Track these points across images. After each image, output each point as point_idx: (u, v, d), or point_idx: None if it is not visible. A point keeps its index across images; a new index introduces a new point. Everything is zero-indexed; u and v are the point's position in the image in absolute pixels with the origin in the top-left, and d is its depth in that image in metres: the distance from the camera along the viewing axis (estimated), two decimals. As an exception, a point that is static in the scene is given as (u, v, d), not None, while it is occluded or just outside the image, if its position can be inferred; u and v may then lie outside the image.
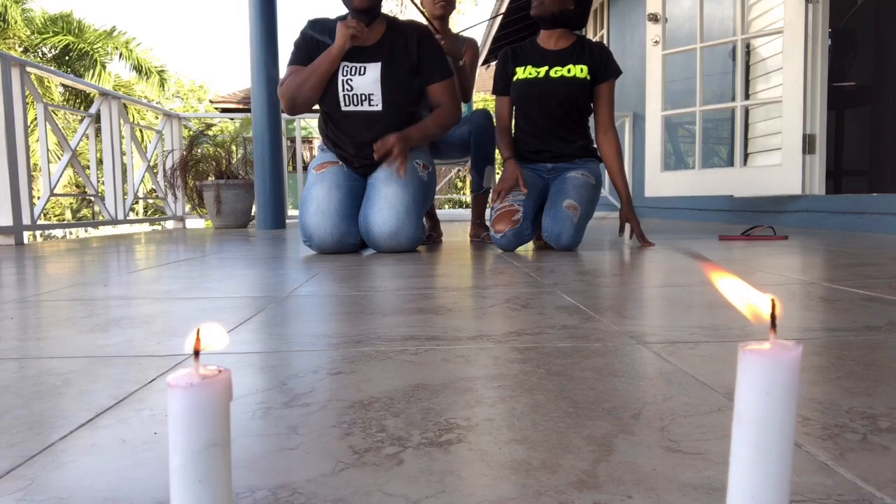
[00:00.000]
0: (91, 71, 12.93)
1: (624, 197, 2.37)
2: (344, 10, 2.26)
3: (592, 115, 2.43)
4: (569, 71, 2.32)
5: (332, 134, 2.32)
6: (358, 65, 2.21)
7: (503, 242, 2.20)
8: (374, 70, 2.20)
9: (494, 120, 2.52)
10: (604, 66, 2.33)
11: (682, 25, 4.37)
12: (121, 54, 13.38)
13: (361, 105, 2.21)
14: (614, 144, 2.37)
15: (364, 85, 2.20)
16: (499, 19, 7.73)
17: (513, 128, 2.50)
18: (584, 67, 2.31)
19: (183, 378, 0.24)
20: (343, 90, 2.20)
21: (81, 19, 13.11)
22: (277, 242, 2.91)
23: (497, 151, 2.80)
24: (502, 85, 2.43)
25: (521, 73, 2.36)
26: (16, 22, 12.31)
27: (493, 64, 10.73)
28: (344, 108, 2.23)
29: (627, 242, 2.41)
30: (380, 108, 2.21)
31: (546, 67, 2.33)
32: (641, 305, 1.12)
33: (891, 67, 4.21)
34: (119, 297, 1.27)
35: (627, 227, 2.39)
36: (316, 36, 2.24)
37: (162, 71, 13.90)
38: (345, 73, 2.20)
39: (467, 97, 2.94)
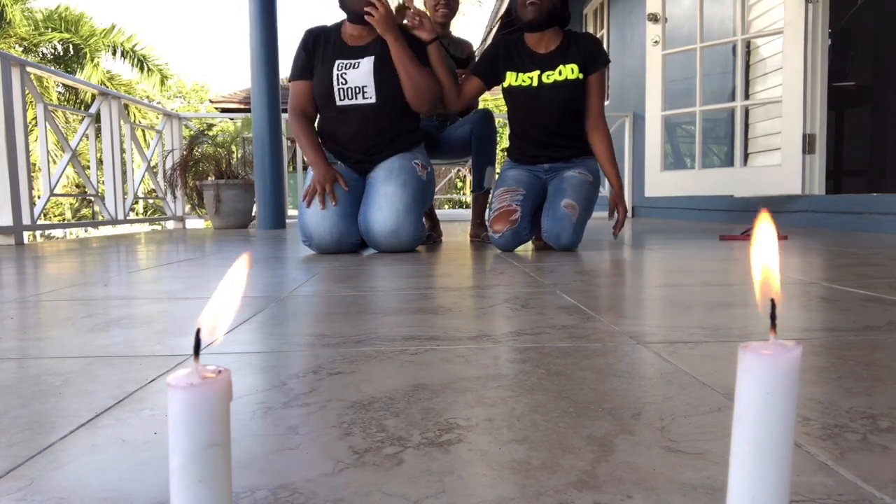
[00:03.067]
0: (82, 68, 12.89)
1: (616, 186, 2.33)
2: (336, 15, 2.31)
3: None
4: (560, 73, 2.27)
5: (329, 133, 2.34)
6: (352, 61, 2.25)
7: (501, 242, 2.20)
8: (367, 63, 2.24)
9: (505, 120, 2.50)
10: (593, 57, 2.29)
11: (682, 25, 4.37)
12: (123, 52, 13.31)
13: (356, 98, 2.24)
14: (605, 137, 2.33)
15: (358, 77, 2.23)
16: (499, 20, 7.72)
17: (508, 131, 2.48)
18: (575, 66, 2.27)
19: (183, 378, 0.24)
20: (338, 84, 2.23)
21: (83, 13, 13.05)
22: (277, 242, 2.91)
23: (494, 153, 2.81)
24: (482, 69, 2.36)
25: (513, 79, 2.31)
26: (12, 22, 12.30)
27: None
28: (339, 103, 2.25)
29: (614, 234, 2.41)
30: (374, 100, 2.24)
31: (538, 72, 2.28)
32: (641, 305, 1.12)
33: (891, 67, 4.21)
34: (119, 297, 1.27)
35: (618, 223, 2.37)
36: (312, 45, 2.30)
37: (162, 69, 13.81)
38: (339, 69, 2.24)
39: (470, 109, 2.95)
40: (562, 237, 2.15)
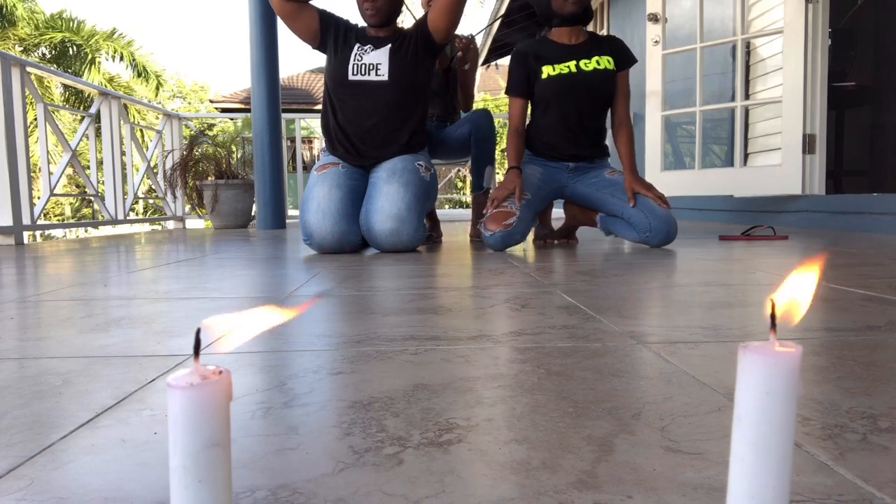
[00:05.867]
0: (86, 68, 12.91)
1: (627, 170, 2.31)
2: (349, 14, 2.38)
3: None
4: (598, 63, 2.31)
5: (336, 121, 2.36)
6: (371, 46, 2.34)
7: (491, 242, 2.21)
8: (384, 48, 2.33)
9: (505, 121, 2.51)
10: (624, 54, 2.36)
11: (682, 25, 4.37)
12: (121, 56, 13.34)
13: (369, 75, 2.30)
14: (630, 140, 2.37)
15: (374, 56, 2.31)
16: (498, 21, 7.71)
17: (528, 127, 2.48)
18: (610, 59, 2.32)
19: (183, 378, 0.24)
20: (354, 60, 2.31)
21: (82, 21, 13.09)
22: (277, 242, 2.91)
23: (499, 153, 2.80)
24: (521, 86, 2.36)
25: (551, 70, 2.31)
26: (15, 22, 12.30)
27: (494, 64, 10.72)
28: (352, 77, 2.30)
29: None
30: (386, 78, 2.29)
31: (573, 61, 2.31)
32: (641, 305, 1.12)
33: (891, 67, 4.21)
34: (119, 297, 1.27)
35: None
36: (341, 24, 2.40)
37: (160, 74, 13.85)
38: (358, 49, 2.33)
39: (469, 104, 2.95)
40: (671, 233, 2.20)
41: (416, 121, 2.38)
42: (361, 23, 2.43)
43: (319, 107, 10.79)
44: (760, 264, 1.72)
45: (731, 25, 4.05)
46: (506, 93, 2.44)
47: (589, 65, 2.31)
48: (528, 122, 2.45)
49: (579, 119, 2.35)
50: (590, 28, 7.34)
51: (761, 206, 3.83)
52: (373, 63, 2.29)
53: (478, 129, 2.66)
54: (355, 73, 2.30)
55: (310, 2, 2.32)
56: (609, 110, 2.42)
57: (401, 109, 2.32)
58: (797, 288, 0.28)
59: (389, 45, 2.32)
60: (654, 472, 0.44)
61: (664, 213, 2.19)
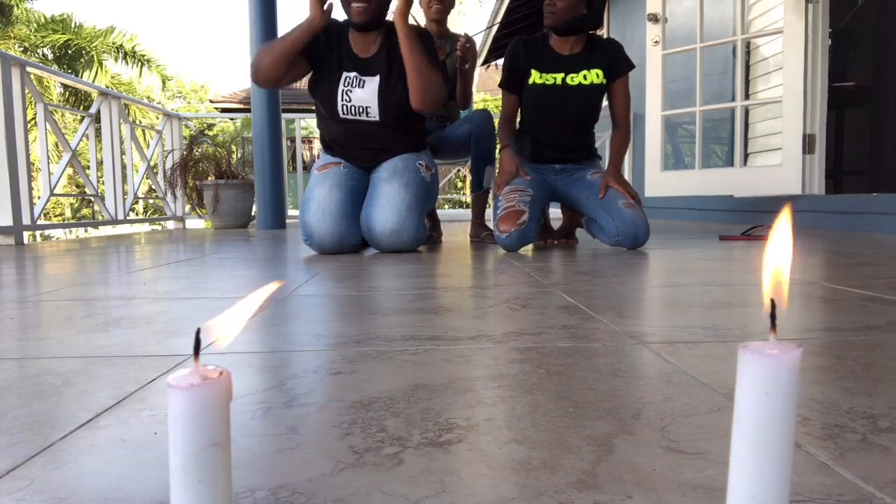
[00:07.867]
0: (89, 69, 12.91)
1: (612, 165, 2.33)
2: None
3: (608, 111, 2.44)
4: (585, 77, 2.29)
5: (332, 135, 2.34)
6: (358, 77, 2.23)
7: (507, 242, 2.19)
8: (372, 84, 2.22)
9: (498, 116, 2.51)
10: (617, 63, 2.33)
11: (682, 25, 4.37)
12: (125, 54, 13.34)
13: (359, 115, 2.24)
14: (623, 143, 2.38)
15: (362, 97, 2.22)
16: (496, 24, 7.71)
17: (518, 126, 2.48)
18: (600, 72, 2.30)
19: (183, 379, 0.24)
20: (342, 100, 2.23)
21: (81, 23, 13.11)
22: (277, 242, 2.91)
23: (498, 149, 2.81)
24: (511, 81, 2.36)
25: (537, 77, 2.31)
26: (17, 20, 12.31)
27: (494, 64, 10.71)
28: (342, 116, 2.25)
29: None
30: (377, 118, 2.24)
31: (562, 74, 2.30)
32: (641, 305, 1.12)
33: (891, 67, 4.21)
34: (119, 297, 1.27)
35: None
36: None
37: (162, 69, 13.84)
38: (345, 84, 2.23)
39: (467, 102, 2.95)
40: (639, 237, 2.18)
41: (415, 134, 2.37)
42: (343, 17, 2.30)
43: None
44: (760, 264, 1.71)
45: (731, 25, 4.05)
46: (499, 85, 2.45)
47: (575, 79, 2.29)
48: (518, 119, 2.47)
49: (560, 129, 2.36)
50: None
51: (761, 206, 3.83)
52: (362, 106, 2.21)
53: (478, 129, 2.66)
54: (345, 112, 2.23)
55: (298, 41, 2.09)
56: (594, 120, 2.42)
57: (393, 137, 2.29)
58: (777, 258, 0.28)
59: (378, 79, 2.20)
60: (654, 472, 0.44)
61: (631, 216, 2.17)
